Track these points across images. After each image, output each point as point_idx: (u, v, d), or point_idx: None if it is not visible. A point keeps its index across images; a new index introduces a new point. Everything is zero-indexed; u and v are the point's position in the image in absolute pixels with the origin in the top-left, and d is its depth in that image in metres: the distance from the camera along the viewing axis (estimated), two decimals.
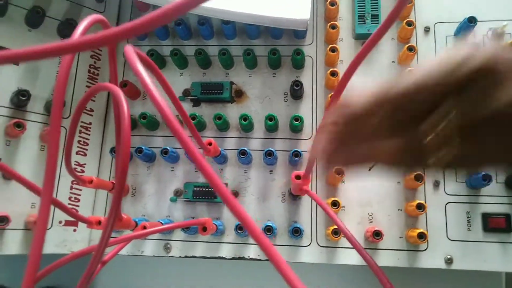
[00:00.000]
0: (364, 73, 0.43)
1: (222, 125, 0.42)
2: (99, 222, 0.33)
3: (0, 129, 0.38)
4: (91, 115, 0.45)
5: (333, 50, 0.42)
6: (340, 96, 0.26)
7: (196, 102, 0.45)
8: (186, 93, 0.45)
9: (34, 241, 0.20)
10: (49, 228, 0.41)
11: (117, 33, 0.16)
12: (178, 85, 0.46)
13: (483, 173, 0.37)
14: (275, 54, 0.43)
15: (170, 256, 0.42)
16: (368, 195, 0.40)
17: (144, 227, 0.36)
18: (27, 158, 0.40)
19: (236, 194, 0.42)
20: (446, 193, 0.40)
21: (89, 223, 0.32)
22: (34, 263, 0.19)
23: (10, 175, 0.25)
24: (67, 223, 0.42)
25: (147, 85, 0.19)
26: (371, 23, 0.43)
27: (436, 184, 0.40)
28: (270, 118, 0.41)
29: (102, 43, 0.17)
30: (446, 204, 0.40)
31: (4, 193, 0.38)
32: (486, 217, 0.39)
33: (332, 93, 0.41)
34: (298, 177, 0.31)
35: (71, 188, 0.42)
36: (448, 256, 0.38)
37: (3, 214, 0.36)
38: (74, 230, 0.42)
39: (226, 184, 0.43)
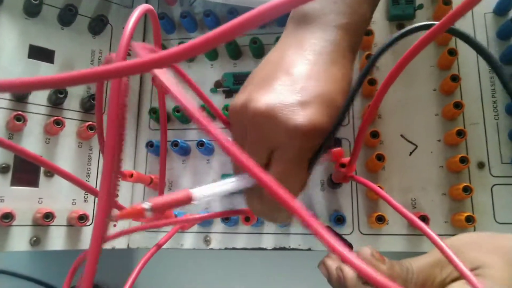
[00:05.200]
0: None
1: None
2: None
3: (40, 127, 0.39)
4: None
5: (368, 33, 0.41)
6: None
7: (228, 93, 0.45)
8: (217, 84, 0.45)
9: (94, 233, 0.20)
10: (89, 225, 0.41)
11: (168, 56, 0.15)
12: (209, 77, 0.45)
13: None
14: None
15: (210, 249, 0.42)
16: (410, 180, 0.40)
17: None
18: (66, 155, 0.40)
19: None
20: (492, 175, 0.39)
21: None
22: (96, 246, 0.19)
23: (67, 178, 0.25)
24: None
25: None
26: (406, 4, 0.42)
27: (481, 166, 0.39)
28: None
29: (149, 68, 0.15)
30: (492, 187, 0.38)
31: (47, 190, 0.39)
32: None
33: (368, 78, 0.41)
34: (343, 165, 0.31)
35: None
36: None
37: (48, 210, 0.36)
38: (114, 226, 0.43)
39: None
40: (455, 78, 0.38)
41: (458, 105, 0.38)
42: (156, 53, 0.14)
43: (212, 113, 0.32)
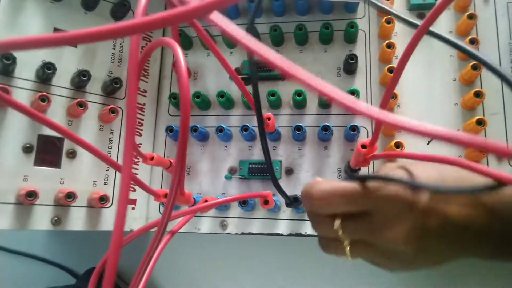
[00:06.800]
0: (421, 44, 0.42)
1: (276, 102, 0.42)
2: (165, 195, 0.33)
3: (62, 109, 0.40)
4: (145, 96, 0.45)
5: (389, 21, 0.41)
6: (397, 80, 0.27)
7: (247, 81, 0.45)
8: (237, 71, 0.45)
9: (118, 211, 0.19)
10: (109, 207, 0.42)
11: (186, 13, 0.16)
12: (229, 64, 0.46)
13: None
14: (328, 28, 0.42)
15: (226, 233, 0.42)
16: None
17: (206, 201, 0.36)
18: (88, 138, 0.41)
19: (290, 171, 0.42)
20: (511, 166, 0.39)
21: (157, 195, 0.33)
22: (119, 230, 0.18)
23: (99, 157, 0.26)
24: None
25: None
26: None
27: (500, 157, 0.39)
28: None
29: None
30: None
31: (68, 171, 0.39)
32: None
33: (388, 66, 0.41)
34: (364, 146, 0.31)
35: None
36: None
37: (70, 190, 0.37)
38: (133, 208, 0.43)
39: (280, 161, 0.42)
40: (476, 68, 0.38)
41: (479, 94, 0.38)
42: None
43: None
